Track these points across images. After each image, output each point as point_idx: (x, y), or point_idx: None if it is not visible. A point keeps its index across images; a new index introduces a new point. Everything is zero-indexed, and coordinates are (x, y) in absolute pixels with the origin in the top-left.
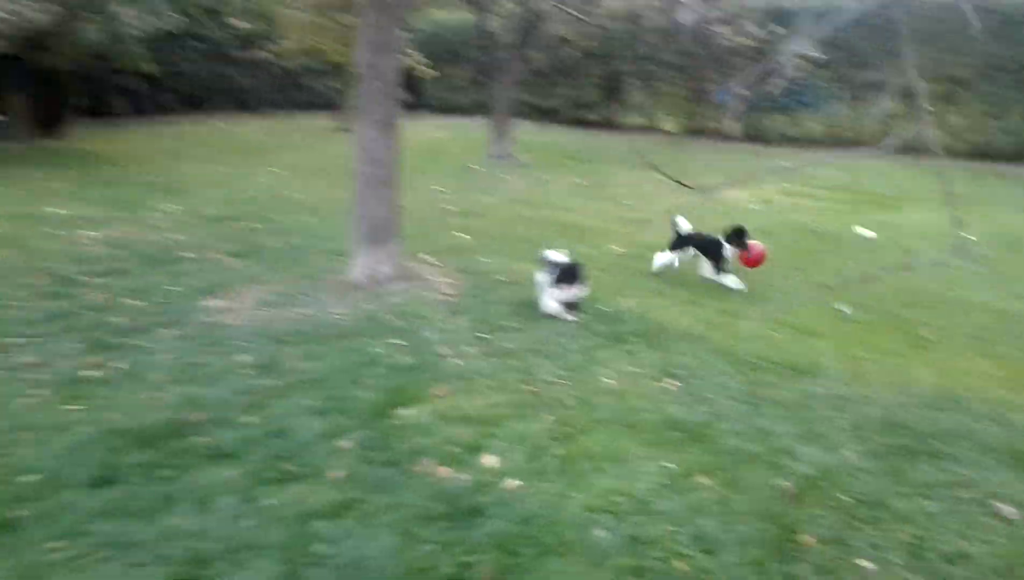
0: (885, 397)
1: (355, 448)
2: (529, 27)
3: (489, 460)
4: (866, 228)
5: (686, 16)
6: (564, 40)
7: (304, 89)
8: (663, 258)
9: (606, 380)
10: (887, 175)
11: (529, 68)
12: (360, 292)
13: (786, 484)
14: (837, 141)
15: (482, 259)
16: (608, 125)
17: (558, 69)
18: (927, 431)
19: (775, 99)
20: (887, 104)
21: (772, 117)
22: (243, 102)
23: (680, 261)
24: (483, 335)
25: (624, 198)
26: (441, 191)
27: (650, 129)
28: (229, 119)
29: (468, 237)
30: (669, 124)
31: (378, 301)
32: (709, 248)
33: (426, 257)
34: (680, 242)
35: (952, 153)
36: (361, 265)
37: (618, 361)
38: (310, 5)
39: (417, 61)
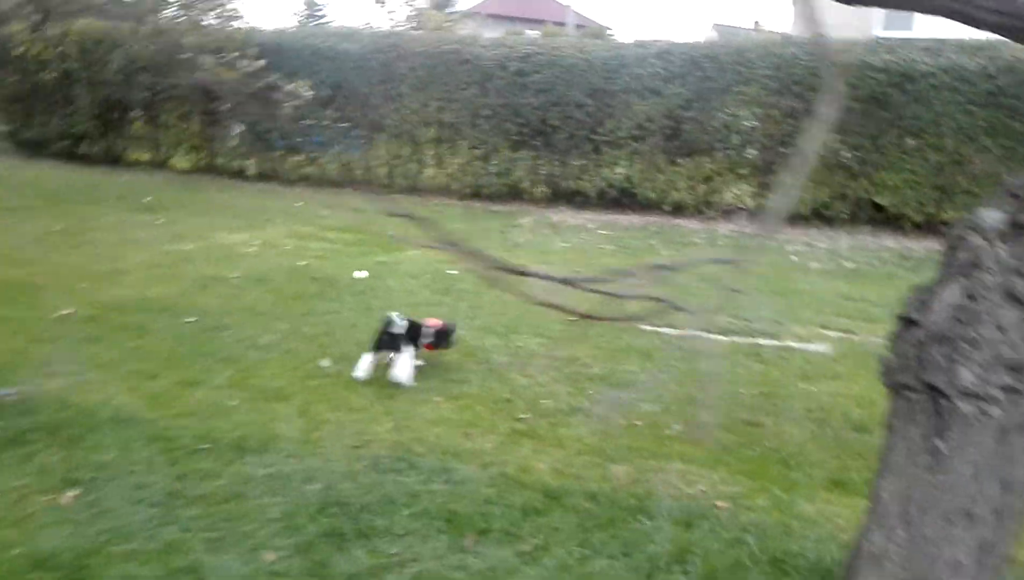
0: (334, 467)
1: None
2: None
3: None
4: (367, 269)
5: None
6: (37, 59)
7: None
8: (368, 362)
9: None
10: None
11: None
12: None
13: None
14: (352, 181)
15: None
16: (113, 160)
17: (39, 94)
18: (365, 504)
19: (290, 138)
20: (386, 146)
21: (287, 157)
22: None
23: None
24: None
25: (98, 246)
26: None
27: (161, 166)
28: None
29: None
30: (182, 161)
31: None
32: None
33: None
34: (391, 341)
35: (450, 193)
36: None
37: (8, 471)
38: None
39: None
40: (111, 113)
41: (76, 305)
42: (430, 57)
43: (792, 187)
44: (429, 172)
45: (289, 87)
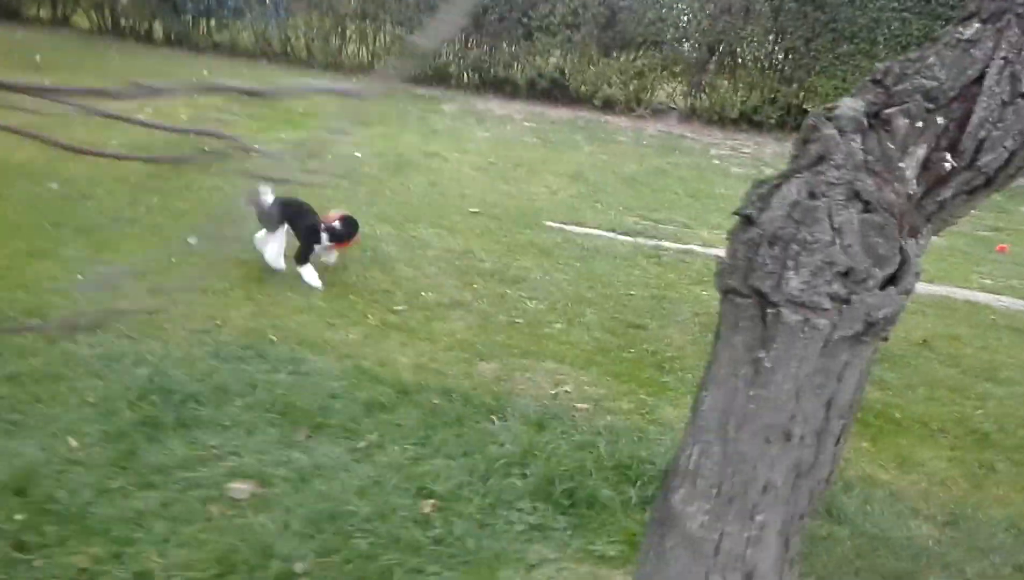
0: (171, 352)
1: None
2: None
3: None
4: (268, 145)
5: None
6: None
7: None
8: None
9: None
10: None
11: None
12: None
13: None
14: (267, 54)
15: None
16: (7, 15)
17: None
18: (193, 393)
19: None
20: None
21: (198, 22)
22: None
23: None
24: None
25: None
26: None
27: (62, 23)
28: None
29: None
30: (83, 18)
31: None
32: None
33: None
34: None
35: (370, 71)
36: None
37: None
38: None
39: None
40: None
41: None
42: None
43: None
44: (351, 48)
45: None
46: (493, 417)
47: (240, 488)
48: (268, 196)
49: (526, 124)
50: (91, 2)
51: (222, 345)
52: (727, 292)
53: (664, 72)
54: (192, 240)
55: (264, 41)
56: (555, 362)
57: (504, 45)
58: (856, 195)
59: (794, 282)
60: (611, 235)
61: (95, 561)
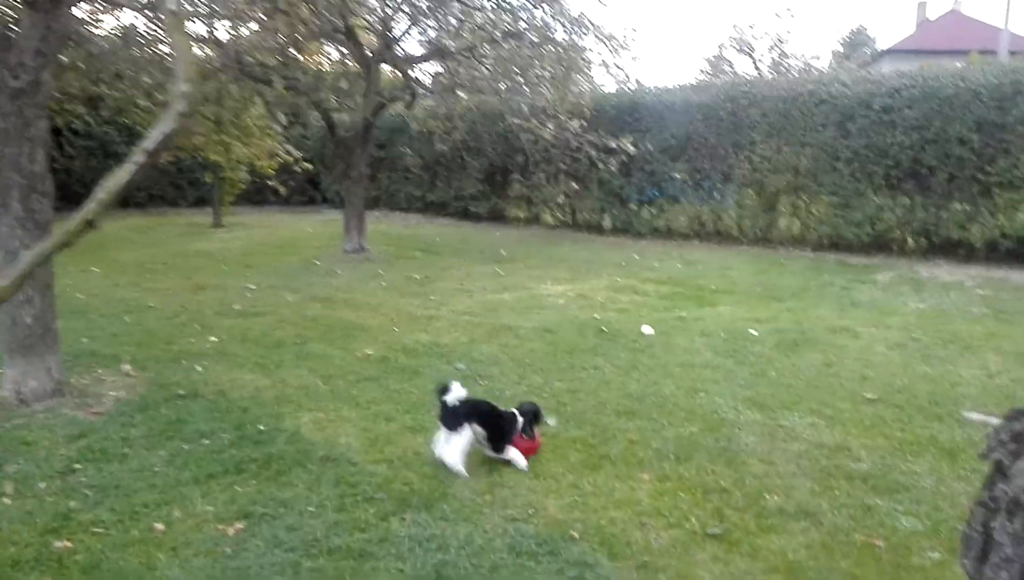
0: (477, 537)
1: None
2: (368, 123)
3: None
4: (662, 324)
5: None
6: (430, 133)
7: (196, 185)
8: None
9: (158, 525)
10: (727, 267)
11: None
12: (3, 411)
13: None
14: (699, 234)
15: (197, 368)
16: (496, 218)
17: (439, 163)
18: None
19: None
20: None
21: (642, 210)
22: (126, 199)
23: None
24: (77, 466)
25: (434, 294)
26: (252, 288)
27: (533, 222)
28: (106, 216)
29: (215, 340)
30: (548, 217)
31: (9, 422)
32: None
33: (126, 366)
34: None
35: (804, 244)
36: (9, 380)
37: (208, 497)
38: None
39: (290, 155)
40: (494, 176)
41: (378, 347)
42: (783, 101)
43: None
44: (783, 222)
45: (613, 144)
46: None
47: None
48: (455, 391)
49: (978, 292)
50: (555, 202)
51: (523, 538)
52: None
53: None
54: (550, 421)
55: (698, 222)
56: None
57: (956, 204)
58: None
59: None
60: None
61: None
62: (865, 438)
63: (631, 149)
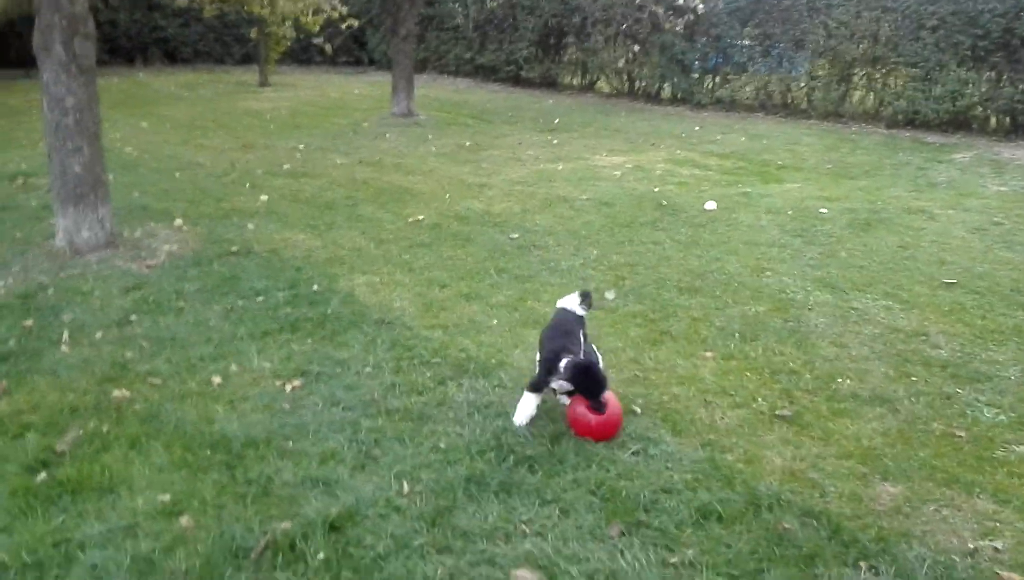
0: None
1: None
2: None
3: None
4: (726, 200)
5: None
6: None
7: (242, 41)
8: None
9: (216, 378)
10: (795, 142)
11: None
12: (57, 261)
13: None
14: (765, 107)
15: (249, 226)
16: (548, 84)
17: (491, 23)
18: (532, 455)
19: (708, 60)
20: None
21: (705, 79)
22: (172, 55)
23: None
24: (132, 318)
25: (486, 162)
26: (300, 149)
27: (588, 89)
28: (154, 72)
29: (266, 199)
30: (604, 84)
31: (63, 272)
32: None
33: (178, 221)
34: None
35: (878, 120)
36: (61, 229)
37: (265, 353)
38: None
39: (336, 10)
40: (548, 39)
41: (429, 213)
42: None
43: None
44: (856, 95)
45: (680, 0)
46: (862, 563)
47: (525, 578)
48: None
49: None
50: (613, 68)
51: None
52: None
53: None
54: (609, 294)
55: (764, 94)
56: (994, 502)
57: None
58: None
59: None
60: None
61: None
62: (943, 324)
63: (700, 6)
